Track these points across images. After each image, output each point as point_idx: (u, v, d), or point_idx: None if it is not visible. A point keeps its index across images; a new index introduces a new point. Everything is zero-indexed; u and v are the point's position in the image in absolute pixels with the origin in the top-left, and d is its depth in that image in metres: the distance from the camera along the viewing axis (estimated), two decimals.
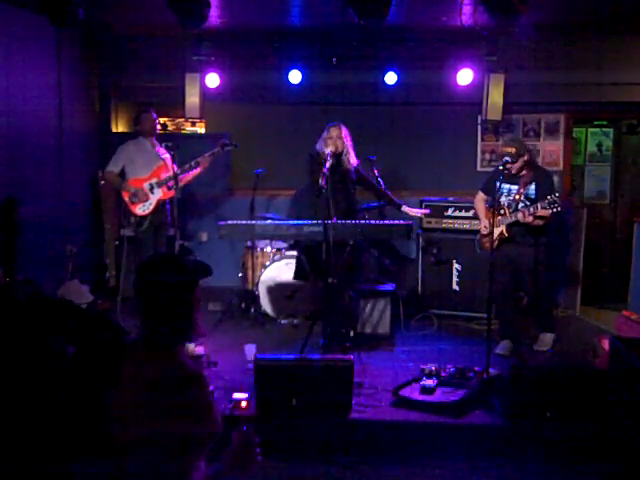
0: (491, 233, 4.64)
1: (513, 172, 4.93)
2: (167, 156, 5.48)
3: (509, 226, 4.95)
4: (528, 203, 4.90)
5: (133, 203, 5.70)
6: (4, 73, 5.06)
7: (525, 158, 4.95)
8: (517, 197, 4.97)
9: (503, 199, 5.04)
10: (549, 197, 4.68)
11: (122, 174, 5.81)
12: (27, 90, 5.43)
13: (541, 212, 4.75)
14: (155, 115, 5.92)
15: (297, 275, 5.68)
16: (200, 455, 2.01)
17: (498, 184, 4.74)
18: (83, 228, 6.52)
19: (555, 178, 6.14)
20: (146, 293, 2.10)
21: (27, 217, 5.14)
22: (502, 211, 5.00)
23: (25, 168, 5.40)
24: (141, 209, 5.71)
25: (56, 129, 5.94)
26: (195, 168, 5.77)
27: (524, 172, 5.00)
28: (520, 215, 4.83)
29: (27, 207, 5.15)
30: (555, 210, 4.66)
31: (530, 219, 4.80)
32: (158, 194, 5.73)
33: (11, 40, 5.16)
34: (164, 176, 5.69)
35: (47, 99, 5.80)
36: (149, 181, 5.72)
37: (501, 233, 4.98)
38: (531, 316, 5.38)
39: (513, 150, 4.88)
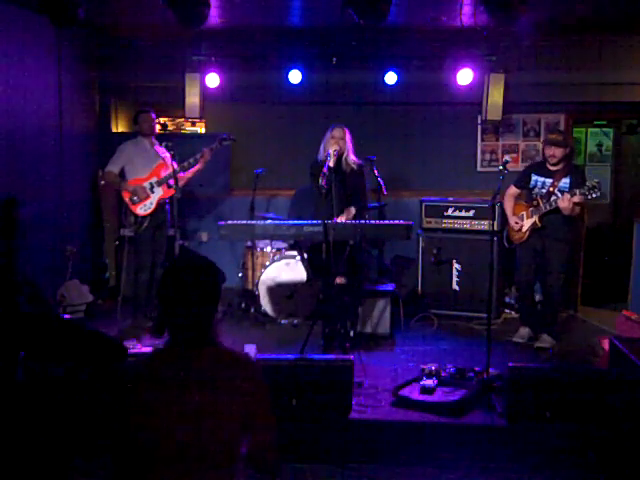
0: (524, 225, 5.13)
1: (555, 161, 5.09)
2: (167, 155, 5.47)
3: (542, 216, 5.12)
4: (561, 196, 5.02)
5: (134, 203, 5.67)
6: (4, 73, 5.06)
7: (567, 151, 5.13)
8: (551, 189, 5.11)
9: (536, 191, 5.22)
10: (588, 182, 4.86)
11: (122, 174, 5.81)
12: (27, 90, 5.42)
13: (578, 198, 4.89)
14: (154, 114, 5.91)
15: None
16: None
17: (535, 178, 5.15)
18: (83, 228, 6.52)
19: None
20: (180, 295, 2.04)
21: (27, 217, 5.13)
22: (535, 202, 5.17)
23: (25, 168, 5.40)
24: (142, 209, 5.69)
25: (56, 129, 5.94)
26: (194, 165, 5.76)
27: (560, 166, 5.13)
28: (560, 201, 4.96)
29: (27, 207, 5.14)
30: (595, 195, 4.83)
31: (570, 204, 4.91)
32: (159, 193, 5.71)
33: (11, 40, 5.16)
34: (164, 174, 5.68)
35: (47, 99, 5.80)
36: (149, 180, 5.71)
37: (534, 223, 5.16)
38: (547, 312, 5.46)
39: (560, 137, 5.12)
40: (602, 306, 6.69)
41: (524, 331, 5.41)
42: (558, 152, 5.07)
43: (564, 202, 4.93)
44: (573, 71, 6.47)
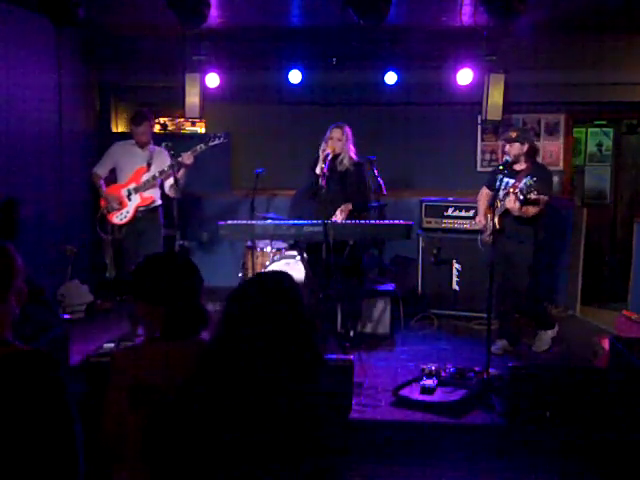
0: (488, 228, 4.85)
1: (511, 158, 4.95)
2: (162, 156, 5.29)
3: (500, 217, 4.92)
4: (521, 197, 4.86)
5: (109, 212, 5.35)
6: (4, 73, 5.07)
7: (524, 147, 4.97)
8: (511, 190, 4.91)
9: (501, 193, 5.04)
10: (525, 180, 4.67)
11: (115, 176, 5.60)
12: (27, 90, 5.43)
13: (533, 197, 4.70)
14: (150, 118, 5.48)
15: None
16: None
17: (500, 178, 4.91)
18: (83, 228, 6.51)
19: (555, 178, 6.22)
20: (148, 294, 2.13)
21: (27, 217, 5.14)
22: (496, 204, 4.97)
23: (25, 168, 5.40)
24: (118, 218, 5.36)
25: (56, 129, 5.94)
26: (177, 169, 5.27)
27: (524, 167, 5.00)
28: (507, 201, 4.83)
29: (27, 207, 5.15)
30: (531, 196, 4.63)
31: (517, 205, 4.76)
32: (136, 201, 5.36)
33: (11, 40, 5.16)
34: (143, 180, 5.36)
35: (47, 99, 5.80)
36: (127, 187, 5.38)
37: (494, 225, 4.92)
38: (528, 315, 5.39)
39: (513, 134, 4.99)
40: (602, 306, 6.69)
41: (502, 343, 5.17)
42: (512, 149, 4.96)
43: (510, 203, 4.81)
44: (573, 71, 6.47)
